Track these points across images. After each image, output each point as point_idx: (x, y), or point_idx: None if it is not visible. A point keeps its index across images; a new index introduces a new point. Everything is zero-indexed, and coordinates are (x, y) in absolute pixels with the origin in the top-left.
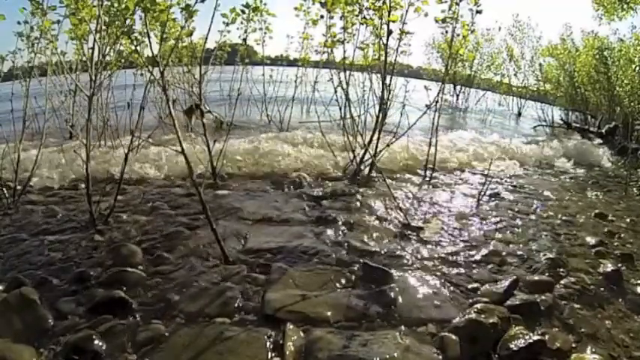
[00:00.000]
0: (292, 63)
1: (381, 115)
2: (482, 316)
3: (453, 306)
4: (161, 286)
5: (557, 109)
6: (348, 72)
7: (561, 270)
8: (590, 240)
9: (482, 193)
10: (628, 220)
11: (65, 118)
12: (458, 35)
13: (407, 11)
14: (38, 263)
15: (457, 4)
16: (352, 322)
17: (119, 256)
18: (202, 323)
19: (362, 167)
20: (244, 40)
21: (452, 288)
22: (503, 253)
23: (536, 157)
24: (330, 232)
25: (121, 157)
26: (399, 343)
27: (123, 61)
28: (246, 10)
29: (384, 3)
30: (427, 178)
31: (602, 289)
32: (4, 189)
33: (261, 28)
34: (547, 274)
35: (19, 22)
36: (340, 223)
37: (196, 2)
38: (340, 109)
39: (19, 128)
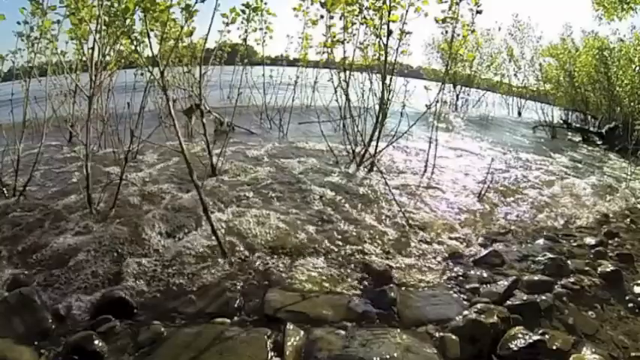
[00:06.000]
0: (292, 63)
1: (381, 115)
2: (482, 316)
3: (452, 306)
4: (161, 286)
5: (557, 109)
6: (348, 72)
7: (561, 270)
8: (590, 240)
9: (483, 192)
10: (628, 220)
11: (65, 119)
12: (458, 35)
13: (407, 11)
14: (38, 262)
15: (457, 4)
16: (352, 322)
17: (118, 258)
18: (202, 323)
19: (362, 166)
20: (244, 40)
21: (452, 288)
22: (503, 253)
23: None
24: (329, 232)
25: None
26: (399, 343)
27: (123, 61)
28: (247, 10)
29: (384, 3)
30: (428, 177)
31: (601, 289)
32: (4, 189)
33: (261, 28)
34: (547, 274)
35: (18, 23)
36: (340, 222)
37: (196, 2)
38: (340, 109)
39: (19, 128)
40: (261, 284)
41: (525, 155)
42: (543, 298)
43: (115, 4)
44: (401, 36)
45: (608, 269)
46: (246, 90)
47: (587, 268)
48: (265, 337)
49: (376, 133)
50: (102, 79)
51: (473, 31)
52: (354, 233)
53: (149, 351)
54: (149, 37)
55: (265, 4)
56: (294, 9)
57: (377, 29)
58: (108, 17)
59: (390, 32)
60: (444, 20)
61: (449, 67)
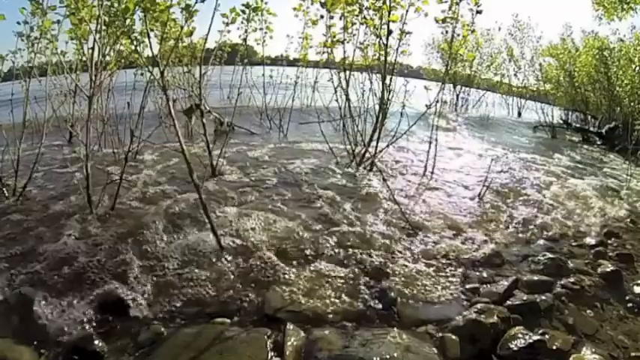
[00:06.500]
0: (292, 63)
1: (381, 115)
2: (482, 316)
3: (453, 306)
4: (161, 286)
5: (557, 109)
6: (348, 72)
7: (561, 270)
8: (590, 240)
9: (483, 193)
10: (628, 220)
11: (65, 119)
12: (458, 35)
13: (407, 11)
14: (38, 262)
15: (457, 4)
16: (352, 322)
17: (118, 258)
18: (202, 323)
19: (362, 166)
20: (244, 40)
21: (452, 288)
22: (503, 253)
23: None
24: (329, 231)
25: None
26: (399, 343)
27: (123, 61)
28: (247, 10)
29: (384, 3)
30: (428, 177)
31: (601, 289)
32: (4, 188)
33: (261, 28)
34: (547, 274)
35: (18, 23)
36: (340, 222)
37: (196, 2)
38: (340, 109)
39: (19, 128)
40: (261, 284)
41: (525, 155)
42: (543, 298)
43: (115, 4)
44: (401, 36)
45: (608, 269)
46: (246, 90)
47: (587, 268)
48: (265, 337)
49: (376, 133)
50: (102, 79)
51: (473, 31)
52: (354, 233)
53: (149, 351)
54: (149, 37)
55: (266, 3)
56: (294, 9)
57: (377, 29)
58: (108, 17)
59: (390, 32)
60: (444, 20)
61: (449, 67)
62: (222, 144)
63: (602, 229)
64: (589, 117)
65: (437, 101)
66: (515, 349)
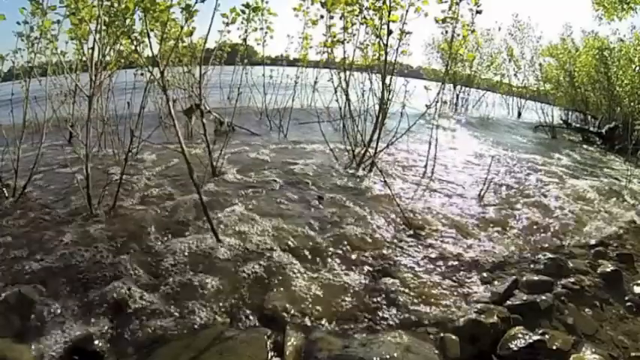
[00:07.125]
0: (292, 63)
1: (381, 115)
2: (482, 316)
3: (453, 306)
4: (161, 286)
5: (557, 109)
6: (348, 72)
7: (561, 270)
8: (590, 240)
9: (483, 193)
10: (628, 220)
11: (65, 119)
12: (458, 35)
13: (407, 11)
14: (38, 263)
15: (457, 4)
16: (352, 322)
17: (118, 258)
18: (202, 323)
19: (362, 167)
20: (244, 40)
21: (452, 288)
22: (504, 253)
23: None
24: (329, 232)
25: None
26: (399, 343)
27: (123, 61)
28: (246, 10)
29: (384, 3)
30: (428, 178)
31: (601, 289)
32: (4, 189)
33: (262, 28)
34: (547, 274)
35: (18, 23)
36: (340, 223)
37: (196, 2)
38: (340, 109)
39: (19, 128)
40: (261, 284)
41: (525, 156)
42: (543, 298)
43: (115, 4)
44: (401, 36)
45: (608, 269)
46: (246, 90)
47: (587, 268)
48: (265, 337)
49: (376, 134)
50: (102, 79)
51: (473, 31)
52: (354, 233)
53: (149, 351)
54: (149, 37)
55: (266, 3)
56: (295, 9)
57: (377, 29)
58: (108, 17)
59: (390, 32)
60: (444, 20)
61: (449, 67)
62: (222, 144)
63: (602, 229)
64: (589, 117)
65: (437, 101)
66: (515, 349)
